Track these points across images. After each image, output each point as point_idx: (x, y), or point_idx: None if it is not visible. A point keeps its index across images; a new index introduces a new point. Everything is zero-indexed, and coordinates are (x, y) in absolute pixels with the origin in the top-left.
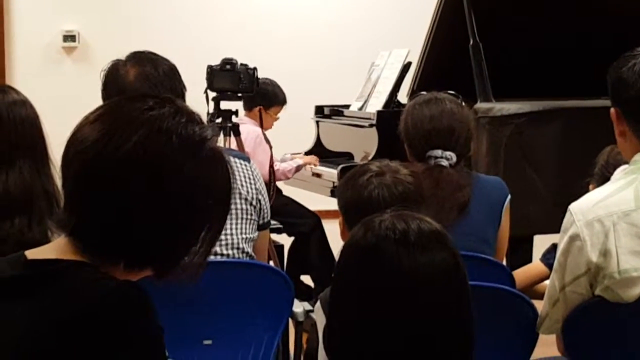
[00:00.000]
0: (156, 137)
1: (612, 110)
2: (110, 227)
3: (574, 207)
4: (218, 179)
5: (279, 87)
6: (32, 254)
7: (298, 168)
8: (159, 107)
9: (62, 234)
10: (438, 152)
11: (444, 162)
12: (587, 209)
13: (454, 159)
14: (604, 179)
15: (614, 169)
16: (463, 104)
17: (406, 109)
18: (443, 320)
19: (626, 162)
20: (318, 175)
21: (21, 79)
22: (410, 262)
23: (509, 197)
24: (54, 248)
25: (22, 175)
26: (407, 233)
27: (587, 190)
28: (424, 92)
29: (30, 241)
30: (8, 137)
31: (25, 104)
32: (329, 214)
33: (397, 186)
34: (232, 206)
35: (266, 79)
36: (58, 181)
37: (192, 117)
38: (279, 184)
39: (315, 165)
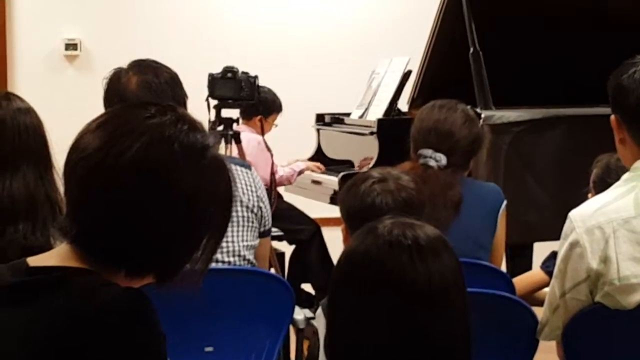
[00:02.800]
0: (158, 144)
1: (612, 117)
2: (112, 234)
3: (574, 214)
4: (220, 187)
5: (275, 94)
6: (34, 261)
7: (300, 172)
8: (161, 114)
9: (64, 241)
10: (428, 152)
11: (432, 162)
12: (587, 215)
13: (443, 161)
14: (606, 185)
15: (617, 175)
16: (481, 122)
17: (422, 108)
18: (449, 324)
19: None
20: (318, 183)
21: (23, 87)
22: (422, 271)
23: (505, 202)
24: (56, 255)
25: (26, 181)
26: (418, 240)
27: (586, 199)
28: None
29: (33, 246)
30: (12, 143)
31: (29, 111)
32: (329, 222)
33: (401, 192)
34: (234, 213)
35: (263, 87)
36: (61, 188)
37: (194, 124)
38: (280, 189)
39: (320, 169)
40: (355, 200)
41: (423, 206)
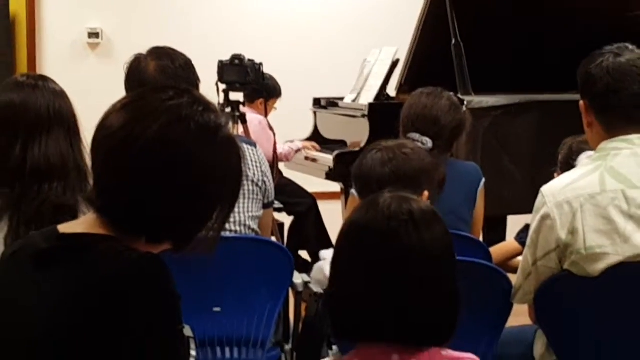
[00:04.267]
0: (176, 124)
1: (581, 102)
2: (134, 205)
3: (545, 189)
4: (231, 162)
5: (276, 80)
6: (63, 228)
7: (297, 150)
8: (178, 97)
9: (91, 208)
10: (416, 136)
11: (420, 144)
12: (557, 191)
13: (429, 144)
14: (569, 166)
15: (577, 157)
16: (464, 108)
17: (411, 95)
18: (440, 287)
19: (591, 150)
20: (314, 160)
21: (50, 73)
22: (416, 240)
23: (484, 181)
24: (84, 223)
25: (59, 146)
26: (414, 212)
27: (554, 177)
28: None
29: (64, 205)
30: (48, 110)
31: (62, 91)
32: (324, 196)
33: (402, 167)
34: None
35: (266, 74)
36: (88, 161)
37: (209, 106)
38: (280, 166)
39: (315, 148)
40: (359, 169)
41: (427, 176)
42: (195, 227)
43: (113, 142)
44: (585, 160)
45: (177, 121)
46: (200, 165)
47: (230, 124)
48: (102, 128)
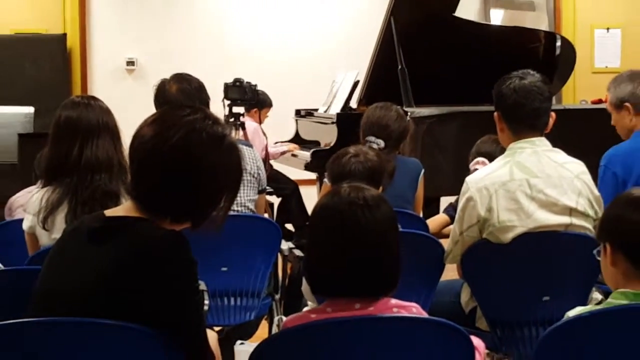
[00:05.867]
0: (192, 134)
1: (495, 113)
2: (161, 194)
3: (469, 179)
4: (234, 162)
5: (267, 95)
6: (109, 212)
7: (283, 153)
8: (194, 113)
9: (129, 197)
10: (372, 138)
11: (374, 145)
12: (478, 180)
13: (382, 145)
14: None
15: (478, 155)
16: (408, 118)
17: (368, 108)
18: (387, 251)
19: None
20: (296, 156)
21: (98, 93)
22: (373, 219)
23: (423, 171)
24: (123, 208)
25: (105, 148)
26: (368, 198)
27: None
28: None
29: (110, 191)
30: (97, 120)
31: (108, 109)
32: (304, 182)
33: (367, 162)
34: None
35: (260, 90)
36: (127, 160)
37: (217, 120)
38: (271, 160)
39: (296, 149)
40: (338, 168)
41: (383, 171)
42: (208, 210)
43: (145, 147)
44: (495, 160)
45: (192, 132)
46: (210, 164)
47: (233, 133)
48: (137, 137)
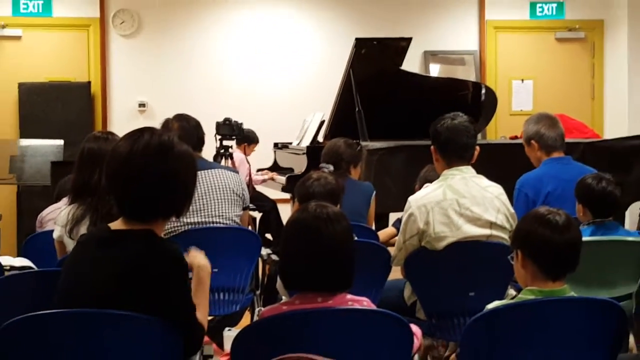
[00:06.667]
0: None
1: (432, 147)
2: (142, 203)
3: (411, 199)
4: (187, 166)
5: (254, 132)
6: (113, 225)
7: (264, 180)
8: (140, 133)
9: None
10: (323, 164)
11: (325, 170)
12: (418, 199)
13: (331, 168)
14: (422, 185)
15: (426, 181)
16: (359, 145)
17: (327, 142)
18: (345, 257)
19: (434, 179)
20: (274, 180)
21: (115, 129)
22: (333, 230)
23: (375, 192)
24: (122, 222)
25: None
26: (329, 213)
27: (415, 190)
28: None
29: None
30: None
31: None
32: (280, 201)
33: (327, 186)
34: (228, 197)
35: (248, 129)
36: None
37: (170, 134)
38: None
39: (274, 176)
40: (304, 190)
41: (340, 192)
42: (184, 203)
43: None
44: (431, 183)
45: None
46: (173, 166)
47: (223, 162)
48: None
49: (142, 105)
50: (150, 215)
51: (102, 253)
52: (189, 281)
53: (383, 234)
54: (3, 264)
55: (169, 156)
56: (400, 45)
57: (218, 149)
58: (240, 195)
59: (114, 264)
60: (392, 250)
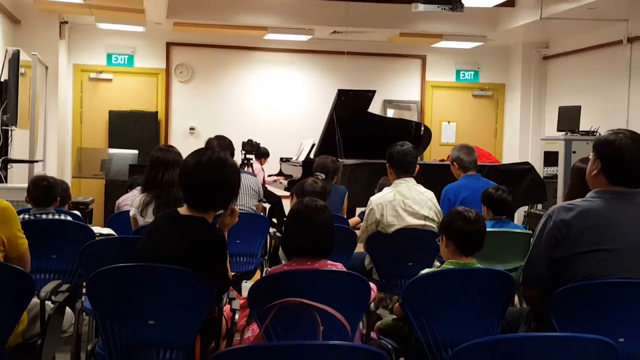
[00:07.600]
0: (215, 160)
1: (387, 164)
2: (204, 199)
3: (371, 198)
4: (235, 175)
5: (266, 149)
6: (181, 210)
7: (274, 181)
8: (206, 150)
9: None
10: (317, 173)
11: (319, 177)
12: (377, 198)
13: (323, 176)
14: (380, 189)
15: (382, 187)
16: (338, 162)
17: (318, 158)
18: (327, 235)
19: (390, 184)
20: (280, 182)
21: (172, 144)
22: (320, 217)
23: (347, 193)
24: (187, 209)
25: (176, 173)
26: (317, 206)
27: (374, 193)
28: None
29: (179, 197)
30: (174, 158)
31: (178, 151)
32: (283, 197)
33: (316, 187)
34: (249, 192)
35: (264, 147)
36: None
37: (222, 152)
38: (266, 185)
39: (280, 180)
40: (300, 189)
41: (326, 192)
42: (229, 202)
43: (189, 172)
44: (386, 188)
45: (215, 158)
46: (225, 176)
47: (245, 168)
48: (183, 165)
49: (192, 128)
50: (207, 208)
51: (172, 228)
52: (226, 253)
53: (352, 221)
54: (95, 232)
55: (223, 167)
56: (368, 95)
57: (243, 160)
58: (257, 192)
59: (180, 238)
60: (358, 232)
